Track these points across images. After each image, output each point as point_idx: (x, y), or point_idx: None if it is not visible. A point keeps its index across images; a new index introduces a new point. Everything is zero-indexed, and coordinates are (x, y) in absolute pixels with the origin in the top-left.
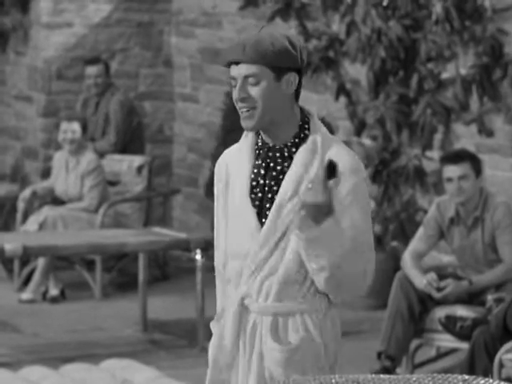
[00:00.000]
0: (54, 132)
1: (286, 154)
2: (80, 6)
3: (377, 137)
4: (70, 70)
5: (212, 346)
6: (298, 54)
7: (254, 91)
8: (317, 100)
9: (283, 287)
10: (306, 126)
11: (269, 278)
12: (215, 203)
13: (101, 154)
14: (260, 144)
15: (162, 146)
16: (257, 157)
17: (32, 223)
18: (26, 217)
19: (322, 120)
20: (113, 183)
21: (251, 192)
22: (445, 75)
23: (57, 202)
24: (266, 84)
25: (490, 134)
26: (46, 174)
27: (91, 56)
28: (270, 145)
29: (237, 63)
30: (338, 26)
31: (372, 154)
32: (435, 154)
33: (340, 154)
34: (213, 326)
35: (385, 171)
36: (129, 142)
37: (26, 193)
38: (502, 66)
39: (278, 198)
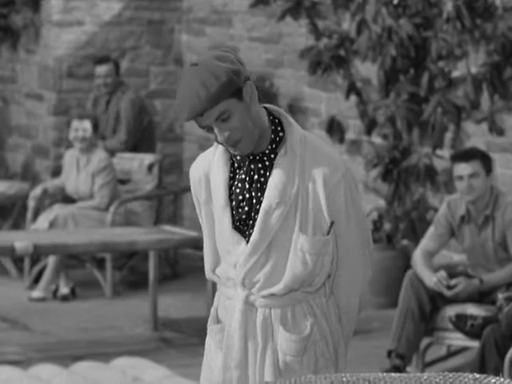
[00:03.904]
0: (64, 130)
1: (266, 162)
2: (91, 5)
3: (387, 135)
4: (80, 68)
5: (211, 346)
6: (238, 64)
7: (232, 124)
8: (327, 98)
9: (287, 288)
10: (279, 128)
11: (266, 284)
12: (197, 212)
13: (111, 153)
14: (239, 157)
15: (173, 144)
16: (236, 170)
17: (42, 221)
18: (36, 215)
19: (332, 119)
20: (123, 181)
21: (238, 207)
22: (455, 74)
23: (67, 200)
24: (236, 111)
25: (500, 132)
26: (56, 172)
27: (101, 55)
28: (251, 157)
29: (201, 114)
30: (348, 25)
31: (382, 153)
32: (446, 152)
33: (317, 159)
34: (211, 327)
35: (395, 170)
36: (139, 141)
37: (37, 191)
38: None
39: (263, 207)
